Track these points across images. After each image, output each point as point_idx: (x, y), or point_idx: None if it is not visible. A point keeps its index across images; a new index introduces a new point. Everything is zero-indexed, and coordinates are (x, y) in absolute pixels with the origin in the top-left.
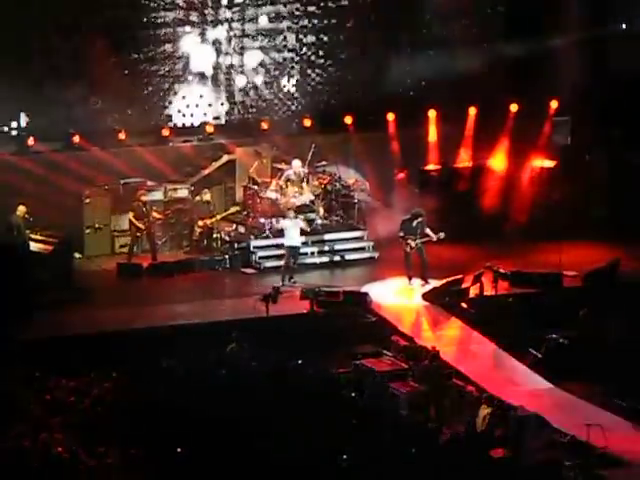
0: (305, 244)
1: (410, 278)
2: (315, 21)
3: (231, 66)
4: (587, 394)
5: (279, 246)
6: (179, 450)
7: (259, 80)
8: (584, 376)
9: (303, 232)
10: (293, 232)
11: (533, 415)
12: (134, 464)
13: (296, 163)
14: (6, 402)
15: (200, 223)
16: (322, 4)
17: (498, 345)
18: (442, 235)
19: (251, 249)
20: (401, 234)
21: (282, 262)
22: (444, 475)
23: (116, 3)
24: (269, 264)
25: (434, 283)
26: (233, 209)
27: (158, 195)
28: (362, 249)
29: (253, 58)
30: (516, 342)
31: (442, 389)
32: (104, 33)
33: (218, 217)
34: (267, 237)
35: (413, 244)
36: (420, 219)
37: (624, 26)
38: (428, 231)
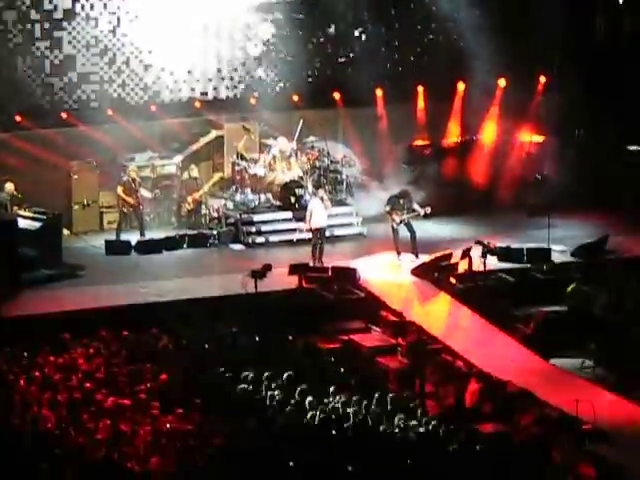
0: (293, 219)
1: (399, 253)
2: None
3: (219, 41)
4: (576, 368)
5: (267, 222)
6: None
7: (247, 55)
8: (573, 350)
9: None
10: (321, 212)
11: (522, 390)
12: (123, 439)
13: (283, 139)
14: None
15: (189, 199)
16: None
17: (487, 320)
18: (428, 210)
19: (240, 224)
20: (387, 209)
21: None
22: (433, 450)
23: None
24: (258, 240)
25: (424, 258)
26: (216, 177)
27: (146, 172)
28: (350, 225)
29: (241, 33)
30: (505, 317)
31: (427, 363)
32: None
33: (205, 188)
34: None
35: (399, 219)
36: (408, 197)
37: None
38: (415, 206)
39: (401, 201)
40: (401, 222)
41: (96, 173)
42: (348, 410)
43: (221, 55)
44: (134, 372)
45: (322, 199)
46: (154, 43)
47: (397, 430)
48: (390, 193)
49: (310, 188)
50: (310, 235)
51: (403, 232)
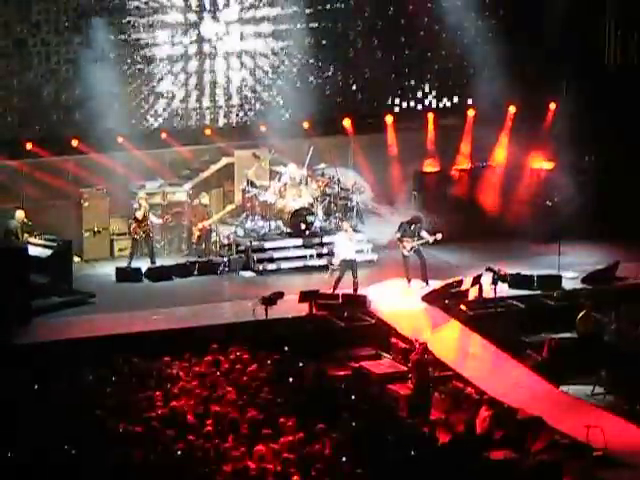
0: (304, 246)
1: (409, 280)
2: (313, 24)
3: (229, 69)
4: (587, 395)
5: (278, 249)
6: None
7: (258, 83)
8: (584, 377)
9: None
10: (347, 245)
11: (534, 417)
12: None
13: (292, 166)
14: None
15: (199, 226)
16: (320, 7)
17: (498, 347)
18: (439, 236)
19: (250, 252)
20: (398, 235)
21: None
22: (444, 477)
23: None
24: (268, 267)
25: (434, 285)
26: (229, 207)
27: (157, 199)
28: (361, 251)
29: (251, 60)
30: (516, 344)
31: (432, 381)
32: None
33: (215, 217)
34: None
35: (409, 246)
36: (419, 224)
37: None
38: (424, 233)
39: (412, 227)
40: (411, 249)
41: (107, 200)
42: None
43: (231, 82)
44: (145, 399)
45: (347, 232)
46: (164, 70)
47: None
48: (400, 219)
49: (321, 215)
50: (322, 262)
51: (413, 259)
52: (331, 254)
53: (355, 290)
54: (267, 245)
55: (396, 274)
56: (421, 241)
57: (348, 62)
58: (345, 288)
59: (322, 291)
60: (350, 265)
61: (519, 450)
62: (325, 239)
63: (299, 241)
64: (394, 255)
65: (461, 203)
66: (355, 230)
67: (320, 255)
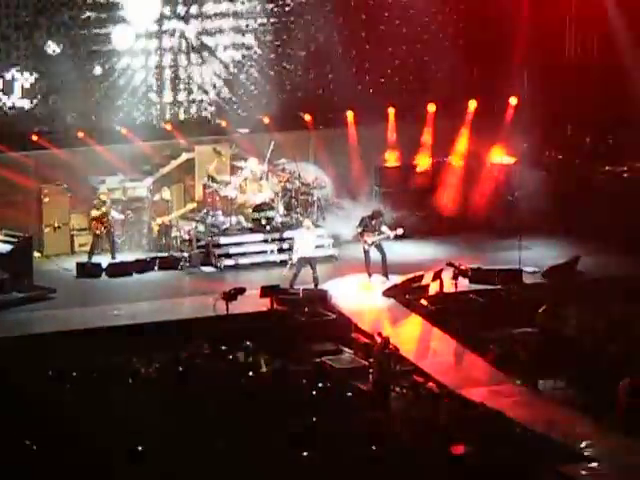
0: (265, 242)
1: (370, 275)
2: (274, 19)
3: (190, 64)
4: (548, 389)
5: (238, 244)
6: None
7: (218, 78)
8: (545, 372)
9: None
10: (308, 242)
11: (494, 412)
12: None
13: (253, 161)
14: None
15: (158, 221)
16: (280, 2)
17: (459, 342)
18: (400, 231)
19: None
20: (359, 230)
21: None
22: (405, 473)
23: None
24: (229, 262)
25: (395, 280)
26: (190, 206)
27: (117, 194)
28: (322, 246)
29: (212, 56)
30: (476, 339)
31: (394, 375)
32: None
33: (175, 214)
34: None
35: (370, 241)
36: (380, 218)
37: None
38: (385, 228)
39: (373, 222)
40: (372, 244)
41: (67, 196)
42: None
43: (192, 77)
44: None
45: (308, 228)
46: (125, 65)
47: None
48: (362, 214)
49: (281, 210)
50: (283, 257)
51: (374, 254)
52: (291, 249)
53: (315, 285)
54: (227, 240)
55: (357, 269)
56: (382, 236)
57: (309, 57)
58: (305, 284)
59: (283, 286)
60: (309, 261)
61: (480, 445)
62: (286, 234)
63: (260, 236)
64: (355, 250)
65: (422, 198)
66: (316, 225)
67: (281, 250)
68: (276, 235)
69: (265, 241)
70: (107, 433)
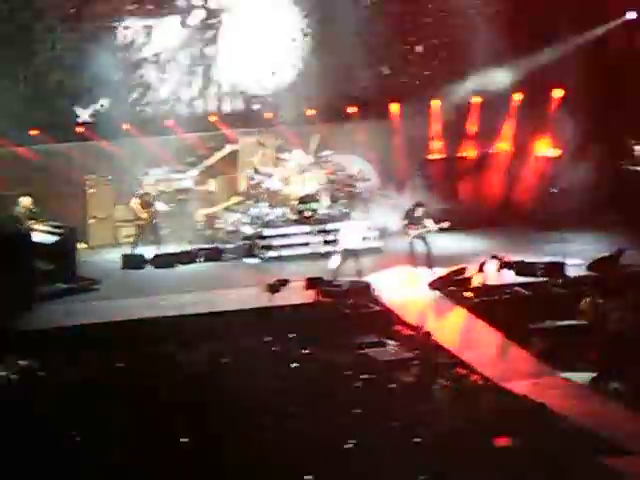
0: (309, 234)
1: (415, 267)
2: (319, 11)
3: (234, 56)
4: (591, 382)
5: (282, 236)
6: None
7: (262, 70)
8: (588, 364)
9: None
10: (353, 234)
11: (538, 404)
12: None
13: (298, 153)
14: None
15: (202, 212)
16: None
17: (503, 334)
18: (445, 224)
19: (255, 239)
20: (404, 222)
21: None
22: (448, 464)
23: None
24: (273, 254)
25: (439, 272)
26: (235, 199)
27: (162, 186)
28: (367, 239)
29: (256, 48)
30: (521, 331)
31: (437, 367)
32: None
33: (220, 207)
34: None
35: (414, 233)
36: (422, 208)
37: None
38: (429, 222)
39: (416, 213)
40: (417, 236)
41: (111, 187)
42: None
43: (236, 69)
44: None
45: (354, 220)
46: (169, 57)
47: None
48: (406, 207)
49: (326, 202)
50: (327, 249)
51: (419, 246)
52: (335, 242)
53: (358, 277)
54: (272, 232)
55: (402, 261)
56: (426, 229)
57: (353, 50)
58: (347, 276)
59: (327, 278)
60: (353, 253)
61: (524, 437)
62: (330, 226)
63: (304, 228)
64: (400, 242)
65: (466, 190)
66: (362, 218)
67: (326, 242)
68: (320, 227)
69: (309, 233)
70: None
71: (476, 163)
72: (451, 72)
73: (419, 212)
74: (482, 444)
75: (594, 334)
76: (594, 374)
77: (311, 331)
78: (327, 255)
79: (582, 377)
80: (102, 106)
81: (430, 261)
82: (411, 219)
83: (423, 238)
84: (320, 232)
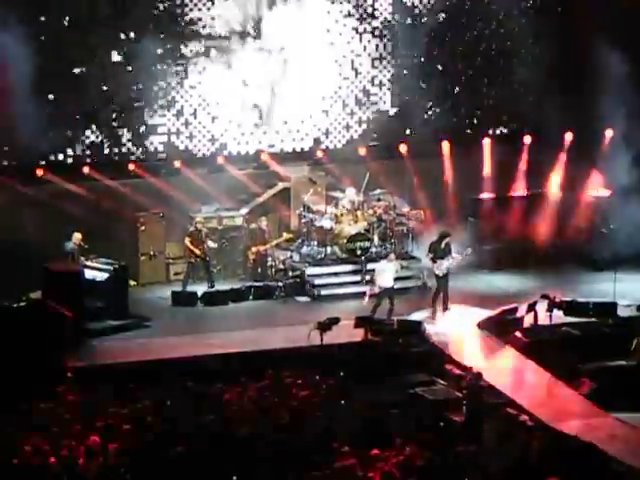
0: (359, 272)
1: (445, 303)
2: (369, 53)
3: (286, 94)
4: None
5: (333, 274)
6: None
7: (314, 108)
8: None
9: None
10: (388, 274)
11: (588, 445)
12: None
13: (350, 191)
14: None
15: (253, 249)
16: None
17: (553, 374)
18: (469, 251)
19: (306, 277)
20: (430, 256)
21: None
22: None
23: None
24: (324, 292)
25: (488, 312)
26: (286, 236)
27: (213, 223)
28: (417, 277)
29: (307, 86)
30: (571, 371)
31: (485, 409)
32: None
33: (271, 244)
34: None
35: (444, 266)
36: (447, 239)
37: None
38: (455, 254)
39: (442, 245)
40: (446, 269)
41: (163, 224)
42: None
43: (288, 108)
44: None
45: (390, 260)
46: (222, 95)
47: None
48: (456, 246)
49: (376, 241)
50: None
51: (454, 282)
52: (371, 281)
53: (389, 316)
54: (322, 270)
55: (452, 299)
56: (454, 260)
57: (402, 88)
58: (402, 314)
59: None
60: (389, 292)
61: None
62: (369, 266)
63: (355, 267)
64: (450, 281)
65: (516, 229)
66: (409, 257)
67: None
68: (370, 266)
69: (359, 271)
70: None
71: (527, 202)
72: (502, 111)
73: (444, 244)
74: None
75: None
76: None
77: (361, 370)
78: (362, 294)
79: (633, 417)
80: (152, 144)
81: (447, 299)
82: (435, 251)
83: (445, 275)
84: (370, 271)
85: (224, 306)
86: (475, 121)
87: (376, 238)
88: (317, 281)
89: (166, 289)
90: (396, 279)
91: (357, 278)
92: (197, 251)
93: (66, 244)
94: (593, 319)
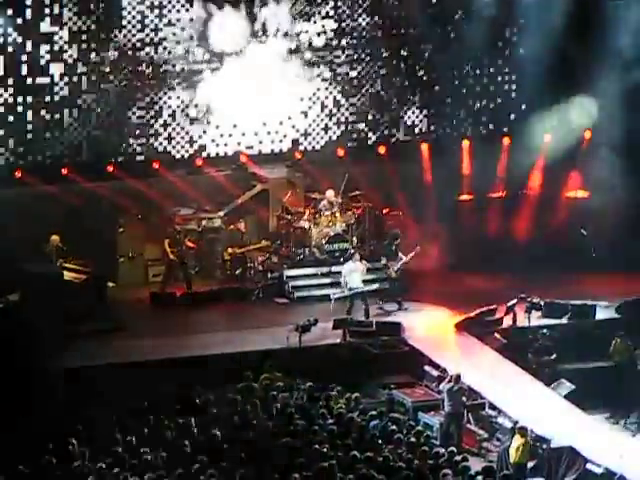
0: (338, 273)
1: (400, 303)
2: (349, 52)
3: (264, 95)
4: (621, 423)
5: (312, 276)
6: None
7: (292, 110)
8: (618, 405)
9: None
10: (356, 275)
11: (567, 446)
12: None
13: (329, 193)
14: None
15: (229, 251)
16: (355, 39)
17: (531, 375)
18: (418, 249)
19: (284, 279)
20: (383, 261)
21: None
22: None
23: None
24: (302, 294)
25: (466, 313)
26: (264, 243)
27: (191, 224)
28: (375, 281)
29: (286, 88)
30: (550, 372)
31: (465, 410)
32: None
33: (249, 247)
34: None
35: (395, 267)
36: (397, 241)
37: None
38: (400, 254)
39: (393, 247)
40: (397, 271)
41: (142, 226)
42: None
43: (266, 109)
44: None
45: (357, 261)
46: (200, 97)
47: None
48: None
49: (355, 242)
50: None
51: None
52: (338, 284)
53: (366, 317)
54: (301, 272)
55: (429, 301)
56: (403, 261)
57: (383, 90)
58: (380, 315)
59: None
60: (360, 295)
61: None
62: (334, 268)
63: (333, 268)
64: (429, 282)
65: (495, 230)
66: (391, 257)
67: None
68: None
69: (338, 273)
70: None
71: (506, 203)
72: (480, 113)
73: (394, 245)
74: None
75: (624, 375)
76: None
77: (339, 372)
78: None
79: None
80: (132, 145)
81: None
82: (388, 254)
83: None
84: (336, 273)
85: (201, 308)
86: (454, 122)
87: (354, 239)
88: (296, 282)
89: (145, 290)
90: (378, 280)
91: (333, 280)
92: (174, 254)
93: (44, 246)
94: (572, 320)
